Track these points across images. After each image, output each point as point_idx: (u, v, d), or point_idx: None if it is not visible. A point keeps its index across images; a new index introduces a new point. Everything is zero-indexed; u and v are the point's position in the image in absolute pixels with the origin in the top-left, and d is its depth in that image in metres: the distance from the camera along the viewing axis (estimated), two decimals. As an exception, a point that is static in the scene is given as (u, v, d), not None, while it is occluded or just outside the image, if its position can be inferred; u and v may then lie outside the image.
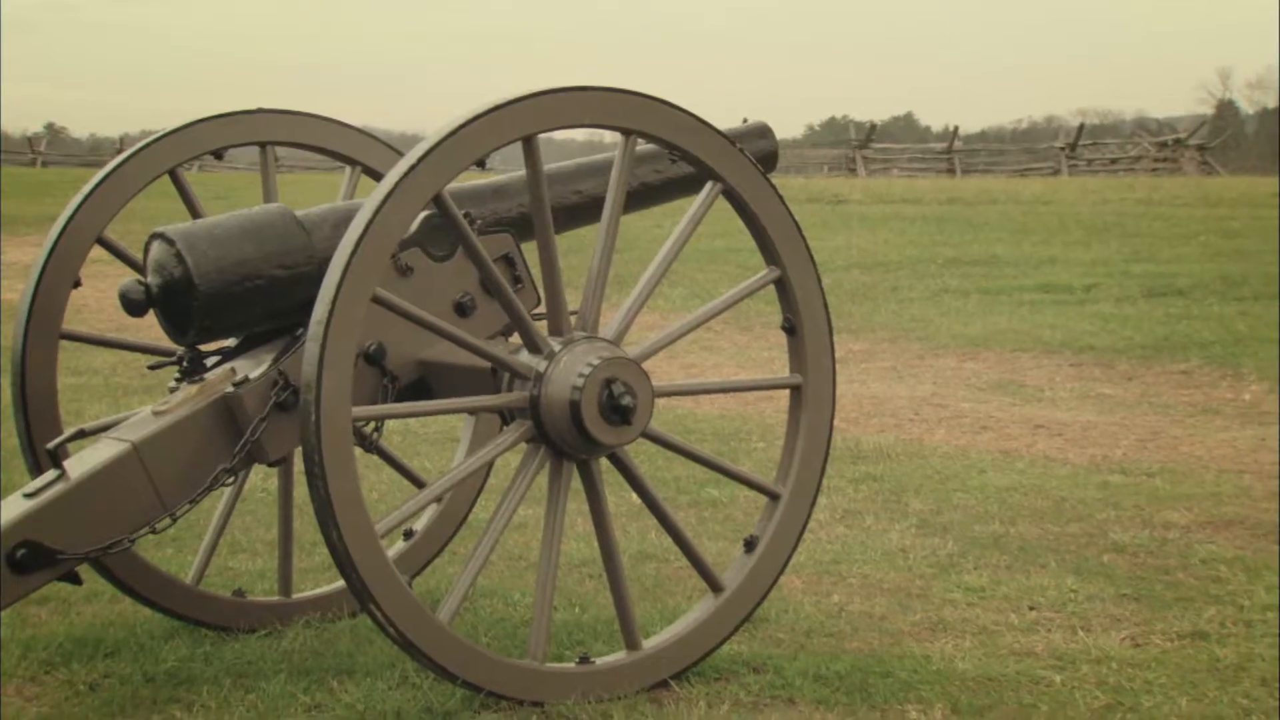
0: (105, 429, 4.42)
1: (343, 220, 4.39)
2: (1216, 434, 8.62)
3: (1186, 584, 5.42)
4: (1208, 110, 74.15)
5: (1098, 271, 16.30)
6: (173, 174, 4.95)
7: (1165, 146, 45.42)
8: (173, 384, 4.49)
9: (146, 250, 4.40)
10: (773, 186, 4.43)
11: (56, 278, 4.72)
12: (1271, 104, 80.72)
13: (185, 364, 4.53)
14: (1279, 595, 5.23)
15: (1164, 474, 7.41)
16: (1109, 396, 10.09)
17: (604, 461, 4.31)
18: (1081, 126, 48.78)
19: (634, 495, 4.56)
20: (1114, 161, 44.99)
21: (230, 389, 4.28)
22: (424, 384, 4.45)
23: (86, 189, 4.77)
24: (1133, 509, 6.62)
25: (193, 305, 4.30)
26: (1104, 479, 7.29)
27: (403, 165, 3.89)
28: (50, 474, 4.12)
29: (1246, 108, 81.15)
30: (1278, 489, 7.02)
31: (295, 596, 5.12)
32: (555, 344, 4.18)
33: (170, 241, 4.32)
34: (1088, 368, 11.31)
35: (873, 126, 49.20)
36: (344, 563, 3.81)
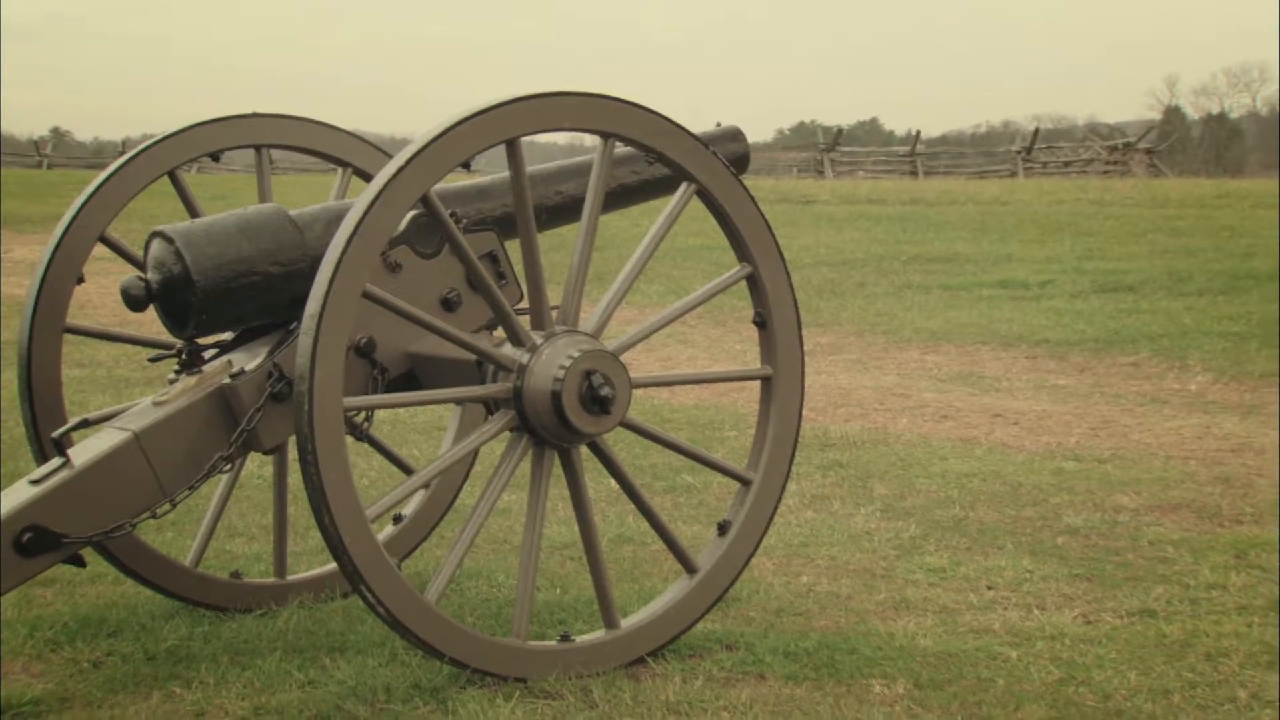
0: (108, 418, 4.40)
1: (334, 219, 4.37)
2: (1164, 422, 8.65)
3: (1136, 564, 5.44)
4: (1156, 116, 74.43)
5: (1052, 268, 16.34)
6: (172, 175, 4.93)
7: (1116, 150, 45.58)
8: (172, 376, 4.47)
9: (147, 248, 4.39)
10: (744, 187, 4.43)
11: (61, 274, 4.70)
12: (1215, 110, 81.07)
13: (184, 357, 4.51)
14: (1222, 575, 5.26)
15: (1114, 460, 7.44)
16: (1063, 387, 10.12)
17: (584, 449, 4.31)
18: (1037, 131, 48.92)
19: (613, 481, 4.56)
20: (1067, 164, 45.12)
21: (227, 380, 4.26)
22: (412, 375, 4.44)
23: (89, 190, 4.75)
24: (1085, 493, 6.64)
25: (191, 300, 4.28)
26: (1058, 465, 7.31)
27: (392, 167, 3.88)
28: (55, 461, 4.11)
29: (1192, 114, 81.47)
30: (1220, 475, 7.05)
31: (290, 578, 5.11)
32: (537, 337, 4.18)
33: (169, 240, 4.30)
34: (1043, 360, 11.35)
35: (839, 131, 49.28)
36: (336, 546, 3.80)
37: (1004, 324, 12.96)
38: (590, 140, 4.37)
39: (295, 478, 4.41)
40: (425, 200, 3.96)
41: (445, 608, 4.23)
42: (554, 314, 4.26)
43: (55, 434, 4.22)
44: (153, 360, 4.85)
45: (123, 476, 4.11)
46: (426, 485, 5.05)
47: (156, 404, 4.25)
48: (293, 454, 4.58)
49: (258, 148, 5.12)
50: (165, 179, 4.94)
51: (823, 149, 46.01)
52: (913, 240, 19.74)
